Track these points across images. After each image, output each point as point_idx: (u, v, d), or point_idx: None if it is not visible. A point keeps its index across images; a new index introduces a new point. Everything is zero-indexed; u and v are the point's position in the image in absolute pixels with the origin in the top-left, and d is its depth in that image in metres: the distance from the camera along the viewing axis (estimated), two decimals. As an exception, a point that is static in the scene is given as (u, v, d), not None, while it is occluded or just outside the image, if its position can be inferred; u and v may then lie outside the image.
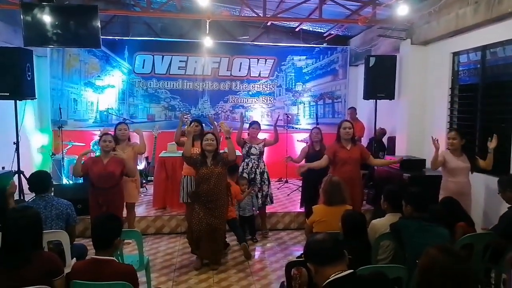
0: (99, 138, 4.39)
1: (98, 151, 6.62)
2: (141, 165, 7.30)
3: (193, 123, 5.33)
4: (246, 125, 5.66)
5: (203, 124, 5.39)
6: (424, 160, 5.30)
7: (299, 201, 5.81)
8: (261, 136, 5.61)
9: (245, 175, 5.24)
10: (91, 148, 7.07)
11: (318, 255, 1.92)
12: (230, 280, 4.14)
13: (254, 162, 5.30)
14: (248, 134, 5.47)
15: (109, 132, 4.60)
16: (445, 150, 4.32)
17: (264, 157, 5.50)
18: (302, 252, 3.45)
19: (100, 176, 4.21)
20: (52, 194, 3.61)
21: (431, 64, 5.86)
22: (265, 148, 5.46)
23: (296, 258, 3.10)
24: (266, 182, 5.39)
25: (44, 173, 3.66)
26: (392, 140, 6.80)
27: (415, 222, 2.98)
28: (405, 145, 6.04)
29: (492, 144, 4.16)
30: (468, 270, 1.82)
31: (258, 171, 5.30)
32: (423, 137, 5.89)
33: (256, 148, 5.32)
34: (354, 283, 1.86)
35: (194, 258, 4.52)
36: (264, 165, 5.41)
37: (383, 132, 6.94)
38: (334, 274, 1.83)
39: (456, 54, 5.40)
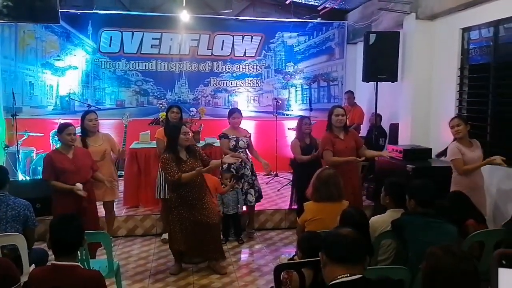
0: (59, 130, 4.11)
1: (58, 143, 6.57)
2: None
3: (172, 109, 5.27)
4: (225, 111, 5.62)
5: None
6: (430, 149, 5.36)
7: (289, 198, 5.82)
8: (245, 125, 5.57)
9: (232, 169, 5.21)
10: (50, 139, 6.99)
11: (332, 250, 1.94)
12: (213, 286, 4.17)
13: (244, 156, 5.27)
14: (229, 123, 5.41)
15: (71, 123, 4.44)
16: (455, 142, 4.35)
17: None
18: (294, 253, 3.49)
19: (68, 172, 4.01)
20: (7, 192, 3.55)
21: (438, 42, 5.90)
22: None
23: (288, 260, 3.12)
24: (255, 176, 5.42)
25: (0, 167, 3.63)
26: (394, 127, 6.86)
27: (419, 218, 3.03)
28: (409, 133, 6.10)
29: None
30: (475, 271, 1.88)
31: (247, 165, 5.29)
32: (429, 123, 5.96)
33: (243, 141, 5.29)
34: None
35: (173, 262, 4.55)
36: (251, 158, 5.42)
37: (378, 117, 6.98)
38: (341, 276, 1.85)
39: (466, 30, 5.44)
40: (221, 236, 4.79)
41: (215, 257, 4.45)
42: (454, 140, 4.37)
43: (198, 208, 4.22)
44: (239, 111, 5.46)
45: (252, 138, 5.53)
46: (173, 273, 4.39)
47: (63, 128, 4.08)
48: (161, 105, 7.52)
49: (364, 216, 3.16)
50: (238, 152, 5.21)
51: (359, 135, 7.30)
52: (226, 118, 5.49)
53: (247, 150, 5.38)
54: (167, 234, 5.26)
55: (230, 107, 8.01)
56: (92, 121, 4.69)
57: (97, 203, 4.48)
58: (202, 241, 4.27)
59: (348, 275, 1.85)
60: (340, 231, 2.05)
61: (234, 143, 5.26)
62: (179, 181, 4.05)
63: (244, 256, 4.99)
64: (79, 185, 3.89)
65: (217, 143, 5.96)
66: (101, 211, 4.99)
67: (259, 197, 5.47)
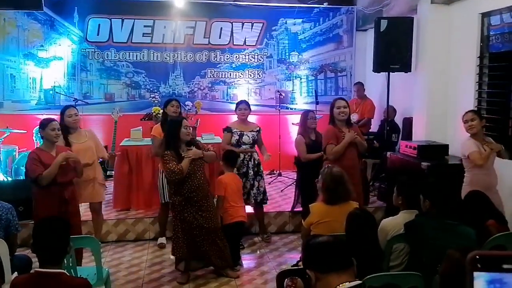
0: (42, 126, 4.10)
1: (41, 141, 6.59)
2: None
3: (171, 102, 5.25)
4: (233, 106, 5.59)
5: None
6: (447, 145, 5.37)
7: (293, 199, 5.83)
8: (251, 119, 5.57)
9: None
10: (34, 136, 7.01)
11: (319, 261, 1.97)
12: (210, 295, 4.20)
13: (247, 153, 5.30)
14: (237, 116, 5.44)
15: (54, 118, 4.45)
16: (470, 138, 4.36)
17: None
18: (299, 259, 3.51)
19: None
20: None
21: (455, 28, 5.89)
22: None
23: (291, 266, 3.14)
24: (262, 176, 5.43)
25: None
26: (408, 121, 6.86)
27: (434, 220, 3.04)
28: (424, 128, 6.10)
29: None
30: None
31: (251, 163, 5.29)
32: (446, 117, 5.94)
33: (248, 136, 5.29)
34: None
35: (167, 269, 4.60)
36: (258, 155, 5.42)
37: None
38: (341, 285, 1.86)
39: (486, 15, 5.43)
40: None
41: (219, 265, 4.48)
42: (470, 136, 4.38)
43: (203, 210, 4.28)
44: (245, 103, 5.48)
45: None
46: (180, 281, 4.41)
47: (46, 123, 4.06)
48: (153, 99, 7.52)
49: (372, 217, 3.18)
50: (243, 148, 5.25)
51: (370, 130, 7.35)
52: (224, 113, 5.51)
53: (254, 147, 5.36)
54: (163, 238, 5.31)
55: (229, 101, 8.07)
56: (72, 117, 4.64)
57: (84, 205, 4.49)
58: (206, 250, 4.35)
59: (348, 282, 1.86)
60: (319, 240, 2.09)
61: (237, 137, 5.27)
62: (181, 173, 4.06)
63: (245, 262, 4.99)
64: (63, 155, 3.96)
65: (215, 139, 5.99)
66: (88, 214, 5.03)
67: (263, 199, 5.42)
